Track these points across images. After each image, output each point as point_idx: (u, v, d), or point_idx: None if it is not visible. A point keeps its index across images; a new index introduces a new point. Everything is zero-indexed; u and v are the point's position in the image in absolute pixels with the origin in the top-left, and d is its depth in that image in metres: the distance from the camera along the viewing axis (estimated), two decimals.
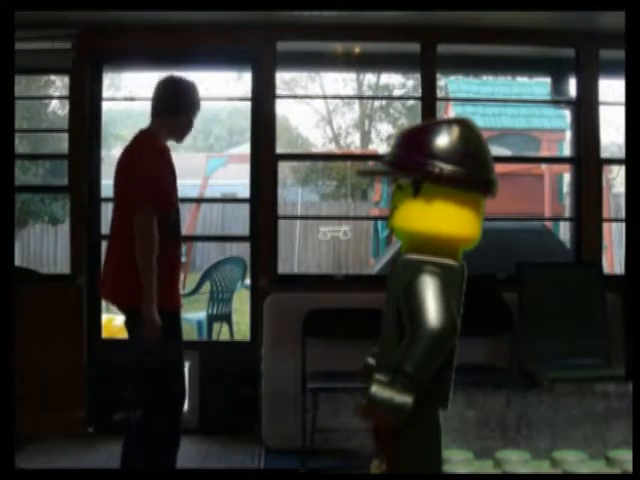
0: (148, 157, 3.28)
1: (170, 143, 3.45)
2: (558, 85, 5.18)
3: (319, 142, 19.76)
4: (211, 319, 7.50)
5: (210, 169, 11.56)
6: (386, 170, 1.55)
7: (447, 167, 1.43)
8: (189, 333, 7.93)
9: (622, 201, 10.30)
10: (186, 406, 4.61)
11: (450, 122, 1.51)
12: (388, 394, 1.38)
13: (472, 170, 1.46)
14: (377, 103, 19.25)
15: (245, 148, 8.68)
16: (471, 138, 1.48)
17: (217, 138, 22.59)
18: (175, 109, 3.38)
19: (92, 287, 4.60)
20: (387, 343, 1.47)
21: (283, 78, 15.52)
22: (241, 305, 8.60)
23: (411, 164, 1.47)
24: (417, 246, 1.47)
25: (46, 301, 4.46)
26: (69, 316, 4.51)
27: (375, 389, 1.39)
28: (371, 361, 1.54)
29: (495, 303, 4.38)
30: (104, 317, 4.92)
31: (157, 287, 3.12)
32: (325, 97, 22.06)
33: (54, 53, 4.54)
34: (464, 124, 1.50)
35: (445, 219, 1.46)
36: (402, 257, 1.47)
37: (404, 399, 1.37)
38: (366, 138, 19.03)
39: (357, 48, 5.05)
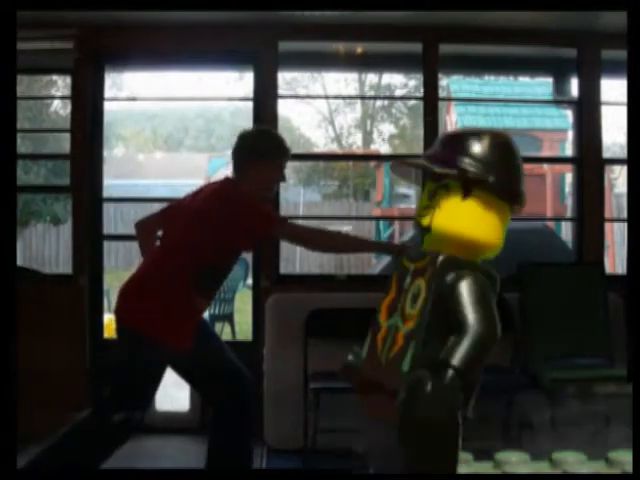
0: None
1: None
2: (560, 85, 5.17)
3: (321, 142, 19.78)
4: (213, 319, 7.52)
5: (212, 169, 11.60)
6: (429, 166, 1.56)
7: (494, 177, 1.53)
8: None
9: (624, 201, 10.29)
10: (187, 406, 4.66)
11: (498, 134, 1.61)
12: (435, 387, 1.39)
13: (513, 182, 1.56)
14: (379, 103, 19.25)
15: None
16: (514, 151, 1.59)
17: (219, 138, 22.57)
18: (250, 159, 3.28)
19: (94, 287, 4.61)
20: (427, 340, 1.46)
21: (285, 78, 15.54)
22: (243, 305, 8.60)
23: (463, 168, 1.53)
24: (451, 247, 1.51)
25: (48, 301, 4.46)
26: (71, 316, 4.51)
27: (422, 380, 1.39)
28: (352, 360, 1.56)
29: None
30: (106, 317, 4.92)
31: (161, 320, 3.10)
32: (327, 97, 22.09)
33: (56, 53, 4.54)
34: (508, 138, 1.61)
35: (489, 226, 1.56)
36: (442, 255, 1.50)
37: (450, 393, 1.38)
38: (368, 138, 19.04)
39: (359, 48, 5.05)
